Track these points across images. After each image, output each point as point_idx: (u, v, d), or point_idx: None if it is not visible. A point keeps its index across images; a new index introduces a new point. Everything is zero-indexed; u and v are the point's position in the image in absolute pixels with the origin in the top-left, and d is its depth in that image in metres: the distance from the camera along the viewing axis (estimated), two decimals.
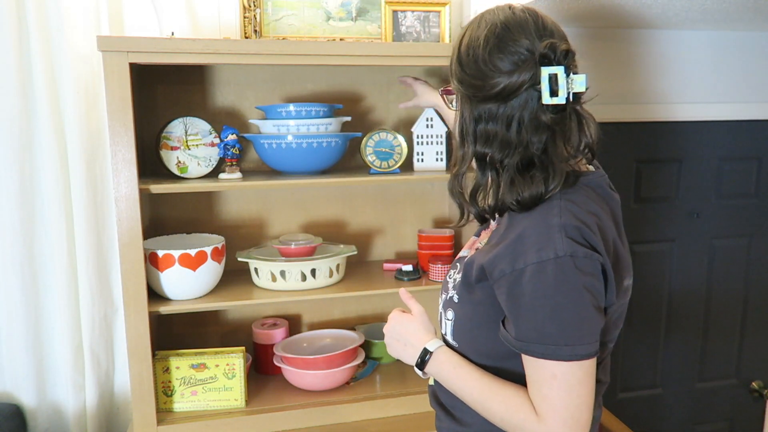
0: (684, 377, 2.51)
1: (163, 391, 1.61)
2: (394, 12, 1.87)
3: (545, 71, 0.88)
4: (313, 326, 1.96)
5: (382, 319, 2.01)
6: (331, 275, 1.69)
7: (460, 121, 0.98)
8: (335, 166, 1.74)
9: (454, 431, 1.07)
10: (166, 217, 1.80)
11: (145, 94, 1.72)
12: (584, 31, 2.10)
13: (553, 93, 0.88)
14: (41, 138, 1.67)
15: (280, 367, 1.72)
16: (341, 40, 1.83)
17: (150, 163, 1.71)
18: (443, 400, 1.10)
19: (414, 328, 1.07)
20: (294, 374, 1.69)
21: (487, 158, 0.95)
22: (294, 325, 1.95)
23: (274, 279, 1.64)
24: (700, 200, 2.38)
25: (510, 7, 0.95)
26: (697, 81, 2.24)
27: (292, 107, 1.64)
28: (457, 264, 1.07)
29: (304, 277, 1.65)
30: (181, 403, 1.62)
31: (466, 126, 0.96)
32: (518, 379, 0.94)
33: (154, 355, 1.58)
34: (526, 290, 0.87)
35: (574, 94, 0.90)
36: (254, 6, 1.75)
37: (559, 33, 0.94)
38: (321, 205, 1.91)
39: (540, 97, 0.89)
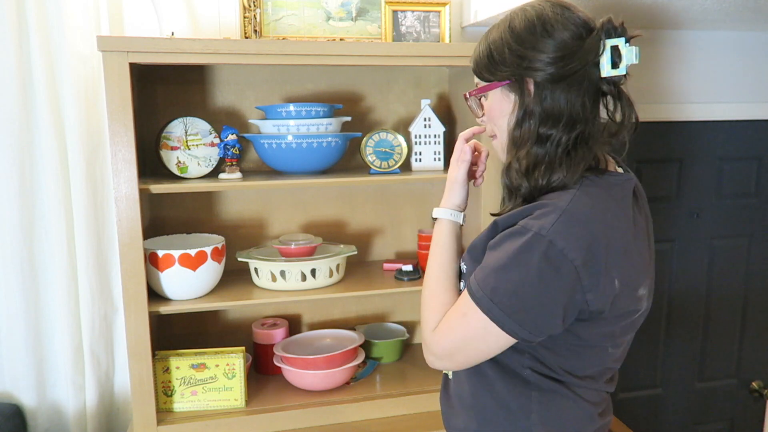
0: (684, 377, 2.51)
1: (163, 391, 1.61)
2: (394, 12, 1.87)
3: (609, 43, 0.90)
4: (313, 326, 1.96)
5: (382, 319, 2.01)
6: (331, 275, 1.69)
7: (521, 108, 0.95)
8: (335, 166, 1.74)
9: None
10: (166, 217, 1.80)
11: (145, 94, 1.72)
12: None
13: (614, 65, 0.90)
14: (41, 138, 1.67)
15: (280, 367, 1.72)
16: (341, 40, 1.83)
17: (150, 163, 1.71)
18: (453, 395, 1.10)
19: (448, 187, 1.10)
20: (294, 374, 1.69)
21: (549, 137, 0.93)
22: (294, 325, 1.95)
23: (274, 279, 1.64)
24: (700, 200, 2.38)
25: None
26: (698, 81, 2.24)
27: (292, 107, 1.64)
28: (467, 256, 1.06)
29: (304, 277, 1.65)
30: (181, 403, 1.62)
31: (531, 108, 0.94)
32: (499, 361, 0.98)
33: (154, 355, 1.58)
34: (502, 245, 0.90)
35: (628, 68, 0.92)
36: (254, 6, 1.75)
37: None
38: (321, 205, 1.91)
39: (599, 73, 0.91)
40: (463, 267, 1.04)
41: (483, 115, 1.05)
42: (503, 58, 0.95)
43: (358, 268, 1.87)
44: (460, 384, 1.07)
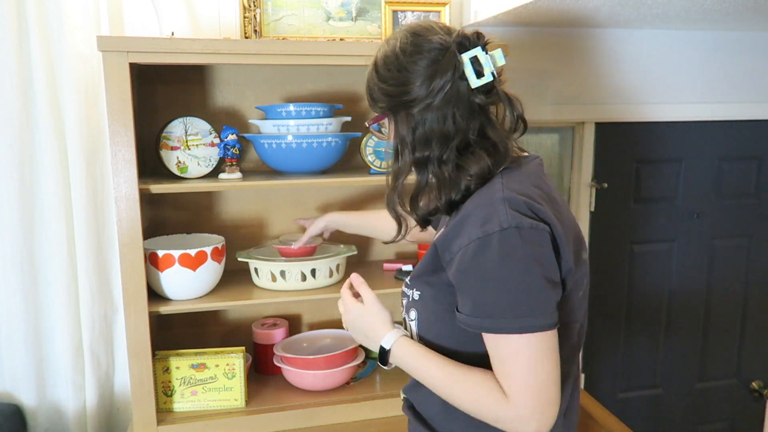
0: (684, 377, 2.51)
1: (163, 391, 1.61)
2: (394, 12, 1.87)
3: (465, 57, 0.92)
4: (313, 326, 1.96)
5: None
6: (331, 275, 1.69)
7: (396, 138, 0.99)
8: (335, 166, 1.74)
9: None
10: (166, 217, 1.80)
11: (145, 94, 1.72)
12: (586, 31, 2.10)
13: (479, 74, 0.92)
14: (41, 138, 1.67)
15: (280, 367, 1.72)
16: (341, 40, 1.83)
17: (150, 163, 1.71)
18: (415, 405, 1.09)
19: (370, 321, 1.05)
20: (294, 374, 1.69)
21: (427, 159, 0.96)
22: (294, 325, 1.95)
23: (274, 279, 1.64)
24: (700, 200, 2.38)
25: (410, 22, 1.02)
26: (698, 81, 2.24)
27: (292, 107, 1.64)
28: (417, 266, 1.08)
29: (304, 277, 1.65)
30: (181, 403, 1.62)
31: (404, 139, 0.97)
32: (488, 364, 0.91)
33: (154, 355, 1.58)
34: (474, 265, 0.86)
35: (498, 72, 0.94)
36: (254, 6, 1.75)
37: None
38: (321, 205, 1.91)
39: (468, 84, 0.93)
40: (416, 294, 1.02)
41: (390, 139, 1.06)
42: (375, 95, 1.00)
43: (358, 268, 1.87)
44: (422, 399, 1.06)
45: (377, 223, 1.50)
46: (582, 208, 2.26)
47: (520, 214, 0.86)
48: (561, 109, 2.14)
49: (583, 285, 0.99)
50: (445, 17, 1.90)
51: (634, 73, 2.18)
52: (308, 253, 1.70)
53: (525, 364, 0.84)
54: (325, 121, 1.64)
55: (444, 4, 1.90)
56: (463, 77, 0.93)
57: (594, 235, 2.30)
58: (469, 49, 0.93)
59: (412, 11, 1.89)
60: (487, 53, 0.93)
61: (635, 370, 2.46)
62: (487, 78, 0.93)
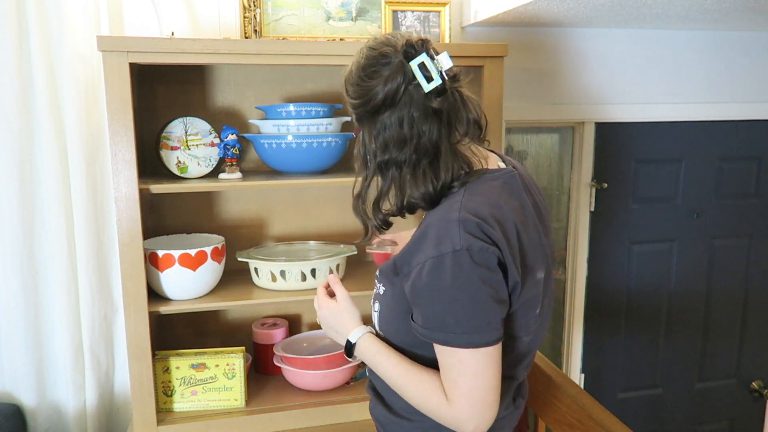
0: (684, 377, 2.51)
1: (163, 391, 1.61)
2: (394, 12, 1.87)
3: (413, 64, 0.98)
4: (313, 326, 1.96)
5: None
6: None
7: (360, 145, 1.05)
8: (335, 166, 1.74)
9: (384, 416, 1.13)
10: (166, 217, 1.80)
11: (145, 94, 1.72)
12: (586, 31, 2.10)
13: (429, 79, 0.97)
14: (41, 138, 1.67)
15: (280, 367, 1.72)
16: (341, 40, 1.83)
17: (150, 163, 1.71)
18: (376, 386, 1.16)
19: (341, 318, 1.14)
20: (294, 374, 1.69)
21: (387, 162, 1.01)
22: (294, 324, 1.95)
23: (274, 279, 1.64)
24: (700, 200, 2.38)
25: (369, 38, 1.07)
26: (697, 81, 2.24)
27: (292, 107, 1.64)
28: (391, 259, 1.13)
29: (304, 277, 1.65)
30: (181, 403, 1.62)
31: (368, 145, 1.03)
32: (436, 365, 0.99)
33: (154, 355, 1.58)
34: (426, 282, 0.93)
35: (448, 74, 0.99)
36: (254, 6, 1.75)
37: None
38: (321, 205, 1.91)
39: (421, 90, 0.98)
40: (381, 288, 1.09)
41: None
42: (348, 108, 1.07)
43: (358, 268, 1.87)
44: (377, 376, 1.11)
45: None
46: (582, 208, 2.27)
47: (472, 237, 0.91)
48: (561, 109, 2.14)
49: (538, 304, 1.03)
50: (445, 17, 1.90)
51: (634, 72, 2.18)
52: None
53: (468, 374, 0.93)
54: (325, 121, 1.64)
55: (444, 4, 1.90)
56: (415, 83, 0.98)
57: (594, 235, 2.30)
58: (416, 56, 0.98)
59: (412, 11, 1.89)
60: (433, 58, 0.98)
61: (635, 370, 2.46)
62: (437, 81, 0.97)
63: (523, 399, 1.17)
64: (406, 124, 0.99)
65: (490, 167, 1.05)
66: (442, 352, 0.95)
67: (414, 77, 0.98)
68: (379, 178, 1.05)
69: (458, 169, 1.00)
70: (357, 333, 1.10)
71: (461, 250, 0.91)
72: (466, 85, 1.06)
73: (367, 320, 1.13)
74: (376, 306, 1.11)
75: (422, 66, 0.98)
